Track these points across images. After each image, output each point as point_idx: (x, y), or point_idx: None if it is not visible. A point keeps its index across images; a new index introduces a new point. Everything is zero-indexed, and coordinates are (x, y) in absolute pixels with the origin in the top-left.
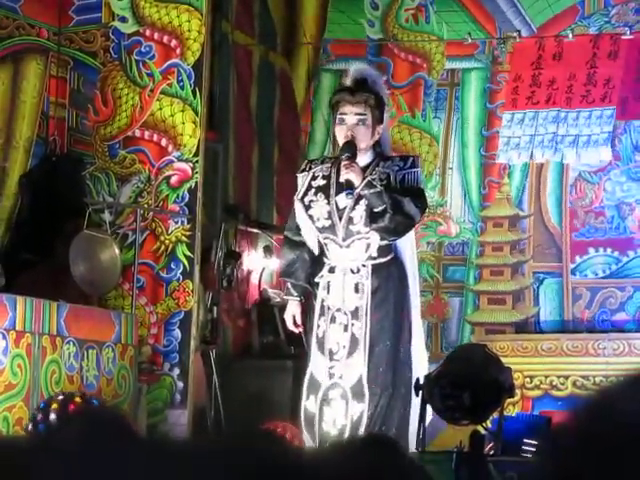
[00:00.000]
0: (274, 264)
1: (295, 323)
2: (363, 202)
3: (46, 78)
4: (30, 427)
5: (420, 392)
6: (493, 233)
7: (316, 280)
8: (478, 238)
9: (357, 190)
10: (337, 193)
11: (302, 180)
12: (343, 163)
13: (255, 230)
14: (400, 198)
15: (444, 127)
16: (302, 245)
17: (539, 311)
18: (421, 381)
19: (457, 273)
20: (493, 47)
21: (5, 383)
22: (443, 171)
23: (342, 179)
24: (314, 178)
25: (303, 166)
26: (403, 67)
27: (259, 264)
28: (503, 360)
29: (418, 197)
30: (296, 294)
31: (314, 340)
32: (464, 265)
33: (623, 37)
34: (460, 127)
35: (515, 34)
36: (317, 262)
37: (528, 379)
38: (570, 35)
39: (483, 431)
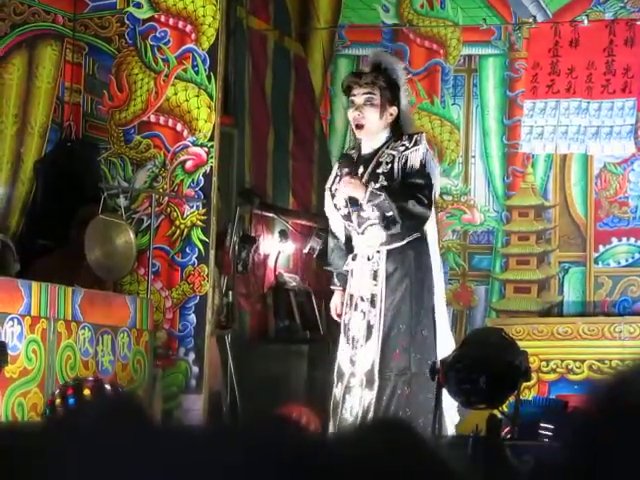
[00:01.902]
0: (290, 248)
1: (337, 313)
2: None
3: (61, 64)
4: (45, 413)
5: (436, 376)
6: (519, 222)
7: (344, 268)
8: (504, 227)
9: (362, 202)
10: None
11: (335, 168)
12: (343, 179)
13: (271, 214)
14: (404, 203)
15: (464, 114)
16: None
17: (563, 299)
18: (437, 365)
19: (483, 262)
20: (509, 33)
21: (20, 369)
22: (466, 159)
23: (345, 196)
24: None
25: (340, 155)
26: (419, 53)
27: (275, 248)
28: (519, 344)
29: (422, 190)
30: (338, 283)
31: (342, 328)
32: (489, 254)
33: (638, 23)
34: (480, 115)
35: (530, 19)
36: (352, 251)
37: (544, 363)
38: (585, 20)
39: (499, 415)
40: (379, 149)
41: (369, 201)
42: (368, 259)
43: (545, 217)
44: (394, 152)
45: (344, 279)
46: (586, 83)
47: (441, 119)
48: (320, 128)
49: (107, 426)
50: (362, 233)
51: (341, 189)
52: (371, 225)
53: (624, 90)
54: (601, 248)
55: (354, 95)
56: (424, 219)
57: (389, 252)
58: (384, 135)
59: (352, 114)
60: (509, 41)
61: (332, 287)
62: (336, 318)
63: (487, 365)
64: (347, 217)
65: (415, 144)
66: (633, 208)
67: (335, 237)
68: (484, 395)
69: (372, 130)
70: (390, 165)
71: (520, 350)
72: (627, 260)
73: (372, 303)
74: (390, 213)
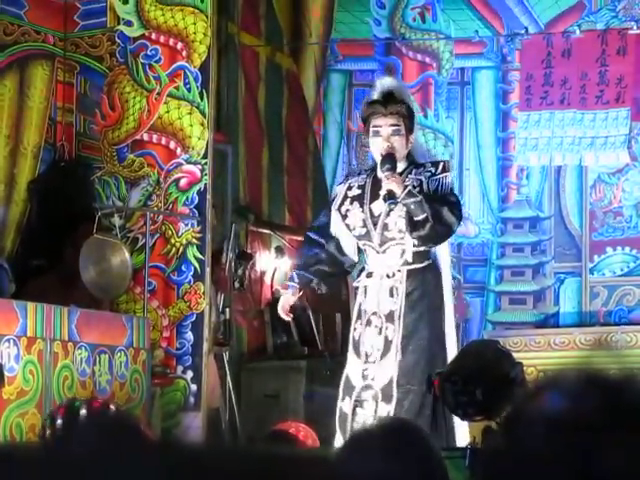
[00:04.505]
0: (286, 264)
1: (286, 312)
2: (397, 209)
3: (53, 84)
4: (42, 433)
5: (432, 389)
6: (514, 234)
7: (354, 284)
8: (498, 239)
9: (399, 199)
10: (371, 201)
11: (339, 190)
12: (385, 174)
13: (266, 231)
14: (439, 207)
15: (458, 127)
16: (321, 245)
17: (559, 310)
18: (433, 378)
19: (477, 274)
20: (501, 45)
21: (17, 390)
22: (460, 172)
23: (384, 190)
24: (350, 188)
25: (341, 179)
26: (412, 66)
27: (271, 264)
28: (517, 355)
29: (455, 205)
30: (297, 281)
31: (350, 343)
32: (484, 266)
33: (630, 32)
34: (474, 127)
35: (522, 31)
36: (336, 264)
37: (542, 374)
38: (577, 31)
39: (496, 426)
40: (400, 174)
41: (404, 199)
42: (388, 277)
43: (540, 229)
44: (421, 177)
45: (304, 280)
46: (580, 94)
47: (434, 132)
48: (314, 143)
49: (102, 448)
50: (383, 252)
51: (383, 185)
52: (394, 245)
53: (618, 100)
54: (596, 258)
55: (379, 125)
56: (450, 231)
57: (409, 272)
58: (403, 161)
59: (381, 144)
60: (501, 53)
61: (288, 283)
62: (283, 315)
63: (483, 377)
64: (365, 236)
65: (444, 170)
66: (627, 218)
67: (316, 247)
68: (481, 407)
69: (399, 158)
70: (419, 189)
71: (516, 361)
72: (622, 269)
73: (390, 319)
74: (419, 217)
